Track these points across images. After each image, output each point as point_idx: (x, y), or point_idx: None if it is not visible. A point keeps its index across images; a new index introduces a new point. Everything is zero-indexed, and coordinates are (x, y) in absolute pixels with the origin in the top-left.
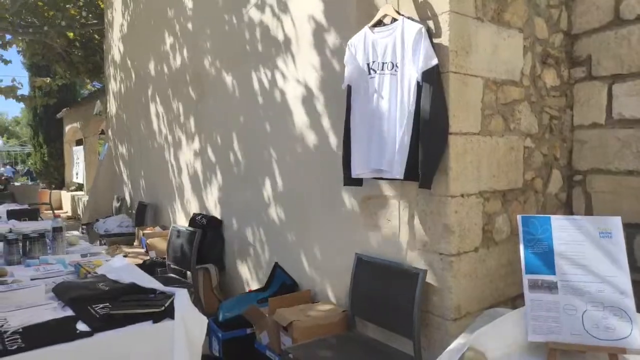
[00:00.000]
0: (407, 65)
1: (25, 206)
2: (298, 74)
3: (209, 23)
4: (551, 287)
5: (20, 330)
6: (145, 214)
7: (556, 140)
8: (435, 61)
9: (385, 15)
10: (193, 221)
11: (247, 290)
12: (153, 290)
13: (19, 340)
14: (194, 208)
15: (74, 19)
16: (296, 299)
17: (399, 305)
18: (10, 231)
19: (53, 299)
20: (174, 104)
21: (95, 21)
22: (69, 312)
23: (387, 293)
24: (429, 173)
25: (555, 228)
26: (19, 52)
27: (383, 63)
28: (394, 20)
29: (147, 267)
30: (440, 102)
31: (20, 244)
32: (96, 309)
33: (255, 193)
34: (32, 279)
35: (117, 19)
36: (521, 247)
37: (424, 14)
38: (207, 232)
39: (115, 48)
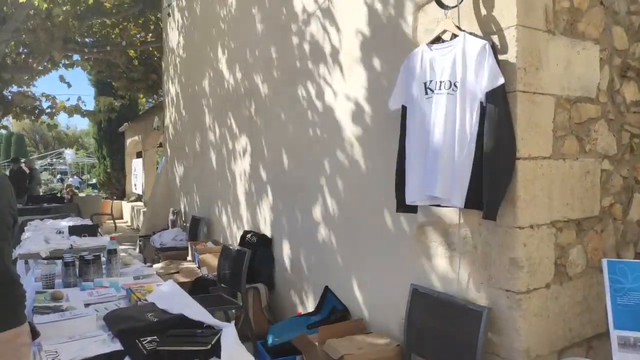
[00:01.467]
0: (469, 84)
1: (87, 220)
2: (349, 92)
3: (260, 40)
4: None
5: None
6: (198, 228)
7: (638, 161)
8: (501, 80)
9: (444, 31)
10: (243, 239)
11: (296, 312)
12: (201, 324)
13: None
14: (245, 224)
15: (134, 38)
16: (347, 328)
17: (460, 345)
18: (71, 247)
19: (103, 328)
20: (227, 120)
21: (154, 39)
22: (118, 345)
23: (446, 330)
24: (495, 203)
25: None
26: (84, 70)
27: (441, 82)
28: (455, 36)
29: (199, 285)
30: (507, 124)
31: (77, 265)
32: (144, 342)
33: (306, 213)
34: (85, 305)
35: (174, 37)
36: (607, 297)
37: (488, 28)
38: (257, 250)
39: (173, 65)
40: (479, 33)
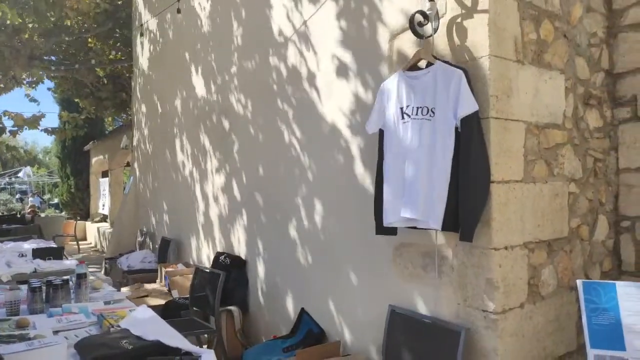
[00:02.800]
0: (444, 110)
1: (51, 242)
2: (326, 113)
3: (235, 60)
4: None
5: None
6: (168, 249)
7: (601, 185)
8: (475, 107)
9: (420, 59)
10: (216, 261)
11: (271, 335)
12: (179, 351)
13: None
14: (218, 246)
15: (103, 56)
16: (324, 351)
17: None
18: (35, 271)
19: (74, 356)
20: (199, 139)
21: (123, 58)
22: None
23: (425, 351)
24: (471, 225)
25: (621, 296)
26: (49, 89)
27: (418, 108)
28: (430, 64)
29: (171, 309)
30: (482, 149)
31: (44, 290)
32: None
33: (283, 234)
34: (54, 332)
35: (145, 55)
36: (584, 317)
37: (461, 57)
38: (231, 272)
39: (143, 84)
40: (453, 62)
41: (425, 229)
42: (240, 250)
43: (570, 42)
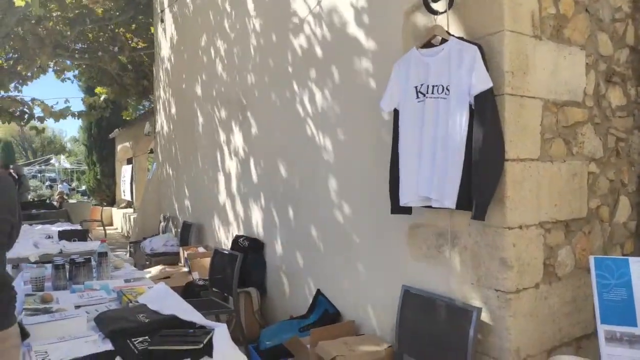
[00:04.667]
0: (458, 88)
1: (77, 226)
2: (340, 95)
3: (252, 44)
4: (632, 342)
5: None
6: (189, 233)
7: (623, 165)
8: (489, 84)
9: (434, 36)
10: (235, 243)
11: (288, 316)
12: (192, 324)
13: None
14: (236, 229)
15: (125, 44)
16: (339, 330)
17: (451, 345)
18: (61, 252)
19: (94, 329)
20: (218, 124)
21: (145, 45)
22: (109, 345)
23: (437, 330)
24: (483, 203)
25: (634, 272)
26: (74, 77)
27: (433, 86)
28: (444, 40)
29: (190, 289)
30: (496, 126)
31: (67, 268)
32: (135, 343)
33: (299, 216)
34: (75, 307)
35: (166, 42)
36: (595, 292)
37: (477, 33)
38: (249, 254)
39: (164, 70)
40: (468, 38)
41: (440, 208)
42: (259, 232)
43: (592, 16)
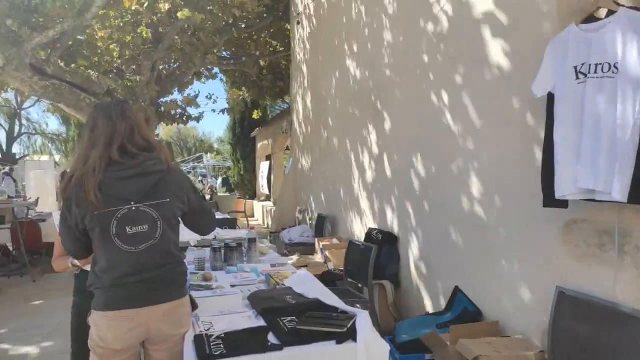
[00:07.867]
0: (631, 65)
1: (226, 215)
2: (483, 80)
3: (385, 39)
4: None
5: (222, 335)
6: (323, 225)
7: None
8: None
9: (598, 8)
10: (369, 235)
11: (422, 311)
12: (335, 309)
13: (221, 346)
14: (369, 222)
15: (265, 48)
16: (481, 330)
17: (615, 357)
18: (215, 238)
19: (247, 306)
20: (352, 118)
21: (282, 48)
22: (261, 322)
23: (602, 340)
24: None
25: None
26: (221, 80)
27: (596, 64)
28: (611, 12)
29: (327, 279)
30: None
31: (222, 252)
32: (284, 321)
33: (434, 211)
34: (231, 285)
35: (302, 44)
36: None
37: None
38: (383, 247)
39: (300, 70)
40: None
41: (605, 201)
42: (392, 226)
43: None
